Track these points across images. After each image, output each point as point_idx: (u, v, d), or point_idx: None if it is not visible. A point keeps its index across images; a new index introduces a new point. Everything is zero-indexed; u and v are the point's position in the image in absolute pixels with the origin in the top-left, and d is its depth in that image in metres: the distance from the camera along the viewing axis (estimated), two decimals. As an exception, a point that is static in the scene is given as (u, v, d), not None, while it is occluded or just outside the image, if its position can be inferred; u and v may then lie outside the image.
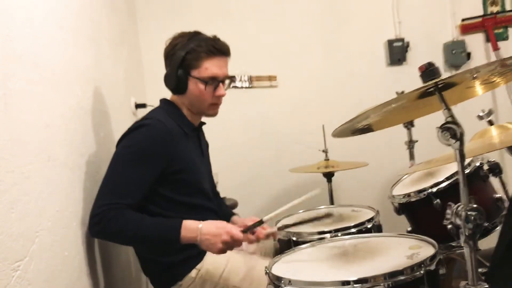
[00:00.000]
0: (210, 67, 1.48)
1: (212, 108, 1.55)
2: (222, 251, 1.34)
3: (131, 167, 1.37)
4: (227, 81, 1.56)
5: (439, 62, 2.76)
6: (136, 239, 1.38)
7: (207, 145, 1.75)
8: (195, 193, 1.52)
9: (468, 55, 2.75)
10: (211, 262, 1.48)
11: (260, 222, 1.39)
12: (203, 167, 1.61)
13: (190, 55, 1.46)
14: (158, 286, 1.52)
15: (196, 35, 1.51)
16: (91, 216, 1.33)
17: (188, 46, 1.46)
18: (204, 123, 1.67)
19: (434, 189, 1.55)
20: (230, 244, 1.34)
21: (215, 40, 1.50)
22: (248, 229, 1.37)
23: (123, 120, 1.96)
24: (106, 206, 1.31)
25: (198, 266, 1.47)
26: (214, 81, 1.49)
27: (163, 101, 1.59)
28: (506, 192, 1.69)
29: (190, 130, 1.55)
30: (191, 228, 1.33)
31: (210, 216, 1.54)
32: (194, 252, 1.47)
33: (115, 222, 1.30)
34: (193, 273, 1.47)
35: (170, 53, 1.50)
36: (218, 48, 1.48)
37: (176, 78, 1.48)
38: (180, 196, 1.47)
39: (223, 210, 1.74)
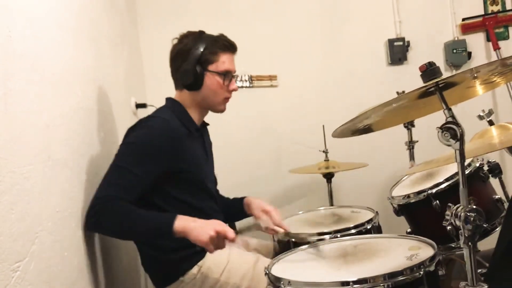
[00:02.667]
0: (226, 61, 1.55)
1: (224, 103, 1.60)
2: (211, 240, 1.26)
3: (133, 163, 1.37)
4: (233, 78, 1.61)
5: (440, 62, 2.76)
6: (129, 231, 1.36)
7: (210, 144, 1.75)
8: (199, 192, 1.53)
9: (469, 55, 2.74)
10: (212, 259, 1.49)
11: (257, 226, 1.43)
12: (207, 167, 1.63)
13: (208, 50, 1.52)
14: (159, 283, 1.53)
15: (203, 33, 1.57)
16: (88, 209, 1.32)
17: (203, 43, 1.52)
18: (207, 124, 1.69)
19: (434, 190, 1.55)
20: (221, 236, 1.28)
21: (226, 37, 1.58)
22: (242, 231, 1.37)
23: (123, 120, 1.96)
24: (103, 198, 1.31)
25: (199, 263, 1.48)
26: (229, 75, 1.56)
27: (169, 100, 1.60)
28: (505, 193, 1.69)
29: (194, 130, 1.56)
30: (184, 218, 1.31)
31: (213, 216, 1.54)
32: (196, 249, 1.48)
33: (110, 213, 1.29)
34: (195, 269, 1.48)
35: (183, 50, 1.53)
36: (231, 44, 1.58)
37: (195, 73, 1.51)
38: (184, 196, 1.48)
39: (227, 204, 1.75)
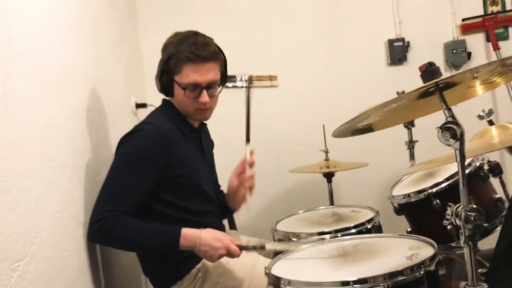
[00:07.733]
0: (190, 73, 1.44)
1: (199, 113, 1.52)
2: (216, 262, 1.39)
3: (130, 174, 1.38)
4: (217, 87, 1.52)
5: (440, 62, 2.76)
6: (135, 247, 1.45)
7: (212, 144, 1.74)
8: (195, 196, 1.52)
9: (469, 55, 2.74)
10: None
11: (262, 247, 1.41)
12: (204, 169, 1.60)
13: (171, 60, 1.45)
14: (158, 285, 1.53)
15: (187, 37, 1.45)
16: (90, 223, 1.33)
17: (170, 51, 1.44)
18: (205, 124, 1.67)
19: (434, 190, 1.55)
20: (226, 256, 1.37)
21: (198, 46, 1.43)
22: (246, 248, 1.39)
23: (123, 120, 1.96)
24: (106, 213, 1.32)
25: (198, 265, 1.47)
26: (196, 88, 1.45)
27: (164, 102, 1.58)
28: (506, 192, 1.69)
29: (189, 132, 1.54)
30: (190, 237, 1.35)
31: (210, 219, 1.54)
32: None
33: (115, 230, 1.32)
34: (194, 272, 1.47)
35: (162, 53, 1.51)
36: (198, 54, 1.42)
37: (161, 81, 1.49)
38: (180, 200, 1.47)
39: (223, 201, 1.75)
